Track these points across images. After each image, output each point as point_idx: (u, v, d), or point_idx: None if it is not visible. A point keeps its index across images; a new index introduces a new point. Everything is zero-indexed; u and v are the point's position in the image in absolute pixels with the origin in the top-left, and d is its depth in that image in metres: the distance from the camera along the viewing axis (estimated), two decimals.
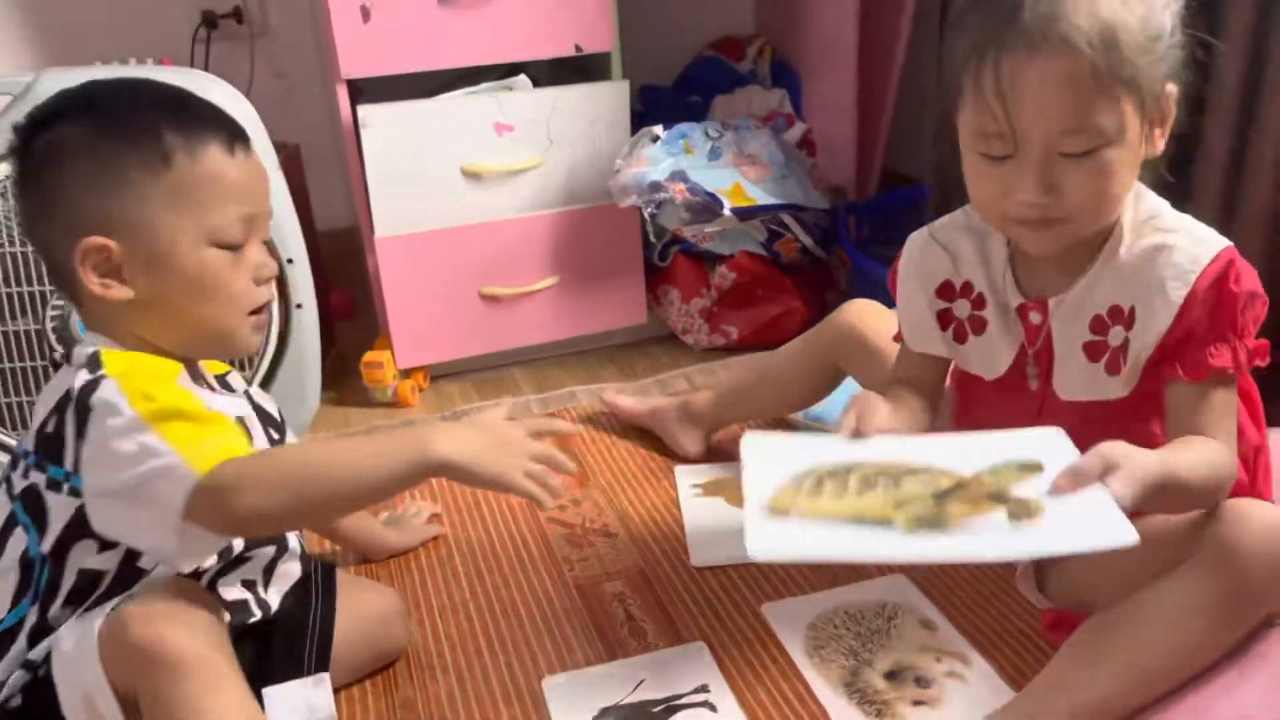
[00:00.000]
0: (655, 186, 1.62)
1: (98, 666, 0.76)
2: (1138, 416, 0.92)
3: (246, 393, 0.97)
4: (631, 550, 1.19)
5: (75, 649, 0.78)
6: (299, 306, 1.48)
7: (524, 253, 1.70)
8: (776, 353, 1.36)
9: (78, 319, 0.95)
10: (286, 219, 1.45)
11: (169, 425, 0.77)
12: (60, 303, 1.31)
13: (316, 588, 0.96)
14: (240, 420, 0.87)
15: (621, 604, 1.09)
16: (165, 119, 0.84)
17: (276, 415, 0.98)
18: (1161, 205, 0.91)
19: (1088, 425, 0.93)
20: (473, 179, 1.65)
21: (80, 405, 0.79)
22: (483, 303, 1.70)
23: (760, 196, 1.66)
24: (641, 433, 1.46)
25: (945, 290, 1.02)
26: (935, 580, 1.10)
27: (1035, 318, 0.96)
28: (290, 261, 1.46)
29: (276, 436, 0.95)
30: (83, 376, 0.80)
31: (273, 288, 0.90)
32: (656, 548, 1.19)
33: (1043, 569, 1.02)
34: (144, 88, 0.90)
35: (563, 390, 1.63)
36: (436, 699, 0.97)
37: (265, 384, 1.50)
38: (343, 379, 1.72)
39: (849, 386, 1.29)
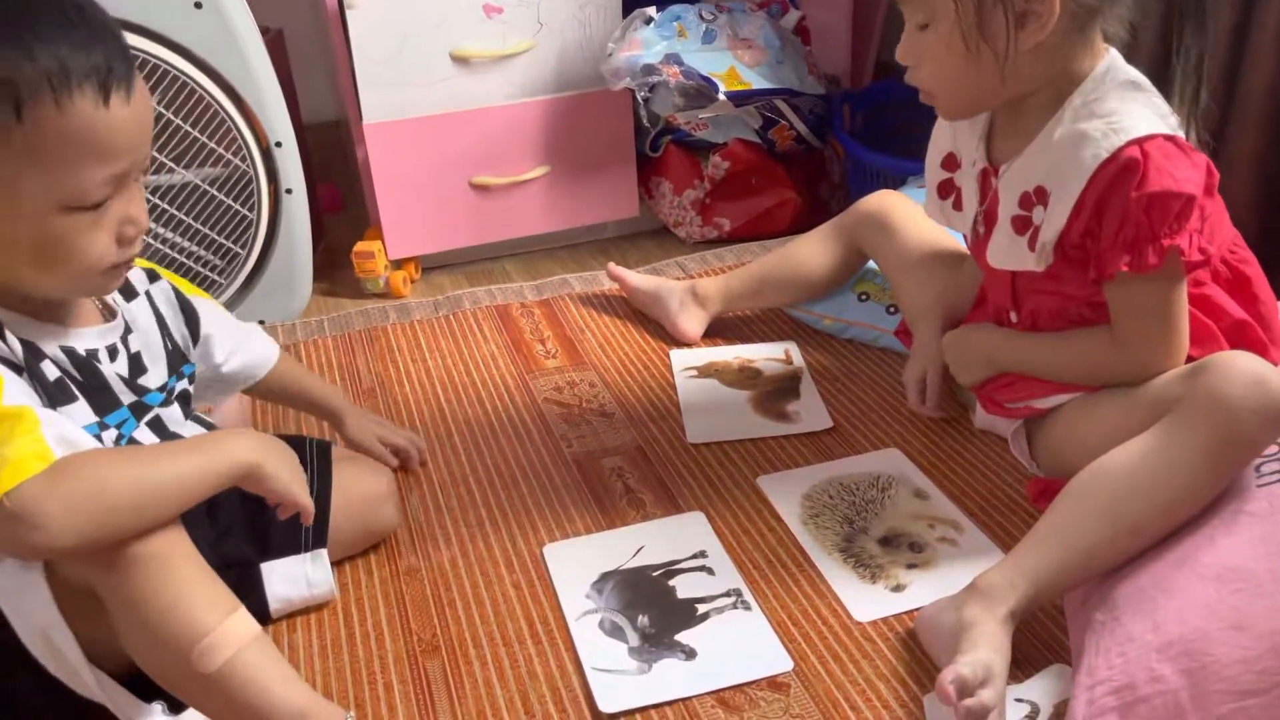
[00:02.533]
0: (648, 69, 1.58)
1: (47, 596, 0.71)
2: (1077, 291, 0.95)
3: (147, 295, 0.88)
4: (628, 428, 1.20)
5: (18, 581, 0.71)
6: (289, 191, 1.46)
7: (514, 141, 1.67)
8: (796, 239, 1.36)
9: None
10: (273, 102, 1.42)
11: None
12: None
13: (312, 465, 0.96)
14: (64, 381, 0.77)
15: (620, 477, 1.11)
16: (23, 53, 0.67)
17: (177, 328, 0.90)
18: (1114, 87, 0.89)
19: (1041, 296, 0.96)
20: (461, 64, 1.61)
21: None
22: (473, 192, 1.68)
23: (756, 81, 1.63)
24: (638, 318, 1.46)
25: (948, 161, 1.04)
26: (927, 452, 1.12)
27: (993, 181, 0.99)
28: (279, 145, 1.43)
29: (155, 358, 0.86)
30: None
31: (139, 244, 0.76)
32: (653, 426, 1.20)
33: (1033, 433, 1.04)
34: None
35: (556, 278, 1.62)
36: (440, 566, 0.99)
37: (255, 272, 1.49)
38: (333, 271, 1.71)
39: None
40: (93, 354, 0.80)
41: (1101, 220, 0.87)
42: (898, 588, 0.93)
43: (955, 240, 1.21)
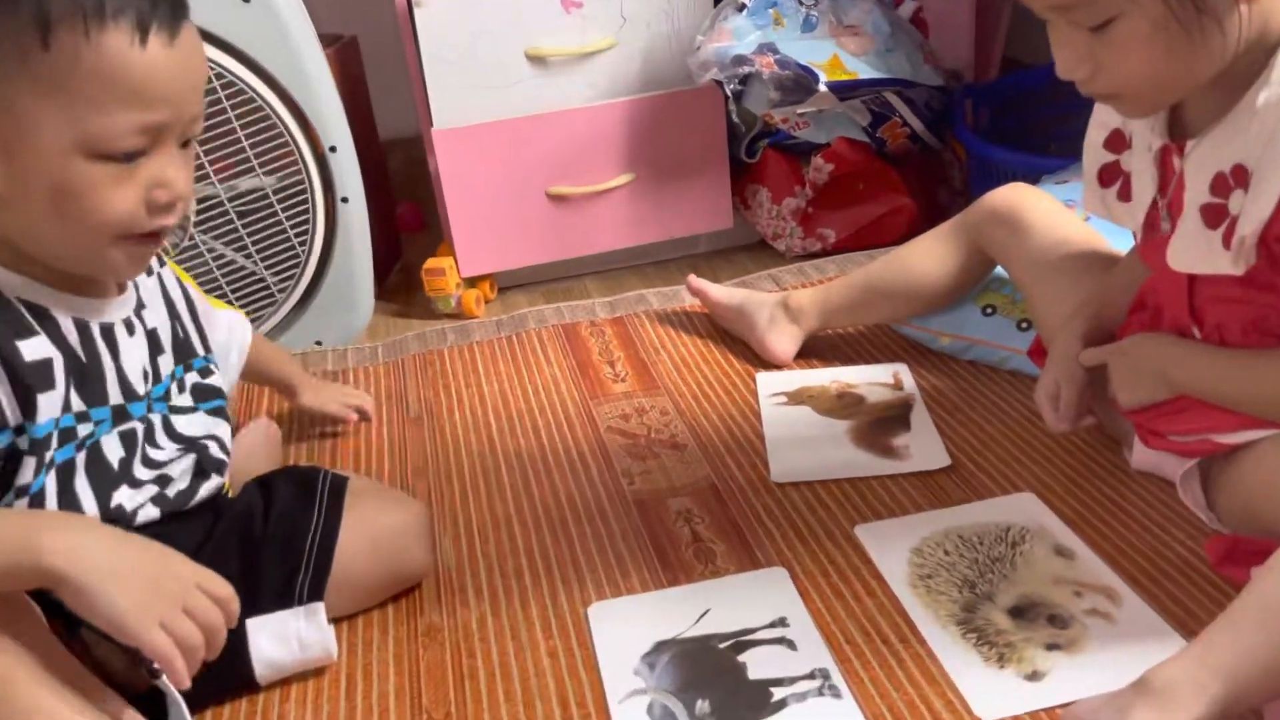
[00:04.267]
0: (740, 60, 1.42)
1: None
2: None
3: (158, 277, 0.82)
4: (702, 463, 1.02)
5: None
6: (345, 200, 1.35)
7: (596, 146, 1.54)
8: (909, 243, 1.17)
9: None
10: (328, 104, 1.31)
11: None
12: None
13: (321, 501, 0.82)
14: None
15: (688, 522, 0.93)
16: None
17: (171, 335, 0.81)
18: None
19: (1230, 306, 0.75)
20: (538, 64, 1.49)
21: None
22: (551, 204, 1.54)
23: (862, 70, 1.45)
24: (722, 337, 1.28)
25: (1114, 140, 0.86)
26: (1071, 497, 0.90)
27: (1176, 163, 0.78)
28: (334, 150, 1.33)
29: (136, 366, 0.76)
30: None
31: (178, 214, 0.69)
32: (731, 461, 1.02)
33: (1212, 475, 0.82)
34: None
35: (632, 293, 1.46)
36: (465, 626, 0.83)
37: (311, 287, 1.38)
38: (408, 293, 1.60)
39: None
40: (108, 329, 0.73)
41: None
42: (1034, 675, 0.72)
43: (1102, 239, 0.99)
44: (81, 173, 0.64)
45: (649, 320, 1.35)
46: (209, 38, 1.23)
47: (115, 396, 0.73)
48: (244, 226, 1.32)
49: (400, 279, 1.67)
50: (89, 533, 0.61)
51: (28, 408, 0.67)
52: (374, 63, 1.75)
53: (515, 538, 0.94)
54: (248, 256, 1.34)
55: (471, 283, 1.56)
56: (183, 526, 0.76)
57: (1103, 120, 0.87)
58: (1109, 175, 0.87)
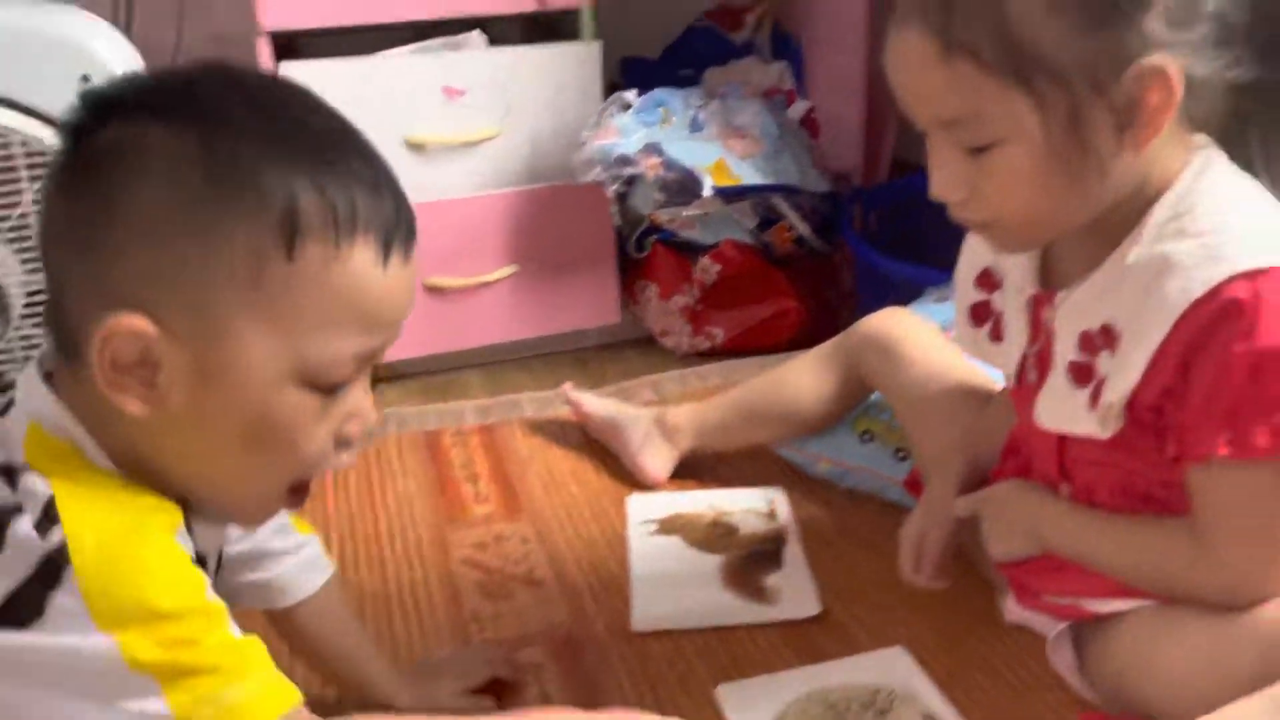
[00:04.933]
0: (624, 160, 1.38)
1: None
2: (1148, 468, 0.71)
3: None
4: (560, 603, 0.94)
5: None
6: None
7: (477, 238, 1.47)
8: (787, 363, 1.13)
9: (44, 364, 0.58)
10: None
11: (175, 682, 0.51)
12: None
13: None
14: None
15: (536, 680, 0.85)
16: (311, 181, 0.53)
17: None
18: (1215, 193, 0.65)
19: (1099, 468, 0.72)
20: (417, 151, 1.43)
21: (27, 592, 0.51)
22: (429, 296, 1.47)
23: (749, 175, 1.42)
24: (595, 450, 1.21)
25: (985, 279, 0.82)
26: (943, 653, 0.85)
27: (1046, 313, 0.75)
28: None
29: None
30: (23, 530, 0.51)
31: (354, 454, 0.60)
32: (593, 601, 0.95)
33: (1084, 641, 0.78)
34: (294, 101, 0.57)
35: (504, 398, 1.39)
36: None
37: None
38: None
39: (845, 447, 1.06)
40: (202, 558, 0.59)
41: (1189, 380, 0.63)
42: None
43: (979, 372, 0.96)
44: (289, 402, 0.55)
45: (520, 429, 1.28)
46: (49, 120, 1.13)
47: None
48: None
49: None
50: None
51: None
52: None
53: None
54: None
55: None
56: None
57: (972, 259, 0.85)
58: (980, 314, 0.85)
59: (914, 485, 0.99)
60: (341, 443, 0.58)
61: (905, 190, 1.69)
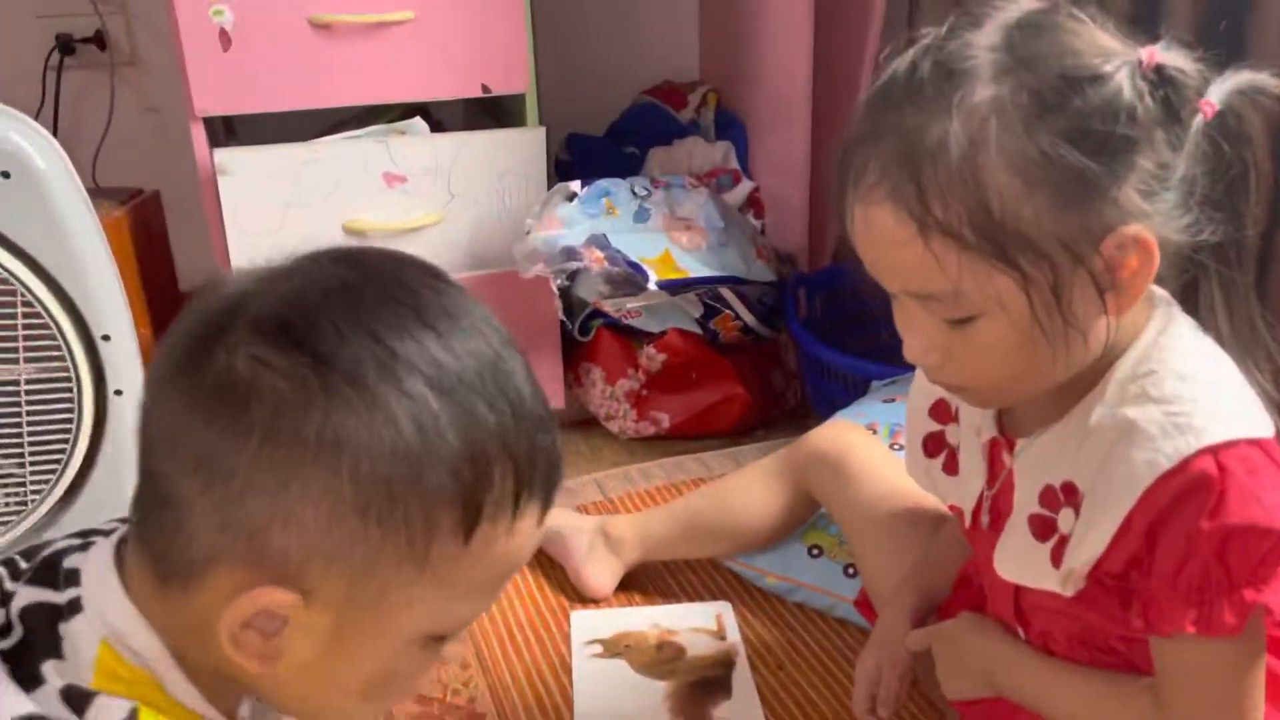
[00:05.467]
0: (569, 253, 1.36)
1: None
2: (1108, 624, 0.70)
3: None
4: None
5: None
6: (118, 393, 1.20)
7: None
8: (733, 475, 1.12)
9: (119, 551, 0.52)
10: (103, 287, 1.17)
11: None
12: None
13: None
14: None
15: None
16: (499, 444, 0.47)
17: None
18: (1176, 355, 0.65)
19: (1058, 617, 0.71)
20: (358, 238, 1.40)
21: None
22: None
23: (693, 267, 1.41)
24: (540, 559, 1.18)
25: (939, 409, 0.81)
26: None
27: (1005, 459, 0.74)
28: (106, 339, 1.18)
29: None
30: None
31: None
32: None
33: None
34: (465, 320, 0.49)
35: None
36: None
37: (75, 485, 1.21)
38: None
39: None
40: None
41: (1155, 552, 0.62)
42: None
43: (929, 494, 0.95)
44: (414, 657, 0.51)
45: None
46: None
47: None
48: None
49: None
50: None
51: None
52: (179, 213, 1.61)
53: None
54: (1, 452, 1.16)
55: None
56: None
57: (926, 386, 0.83)
58: (933, 445, 0.83)
59: (864, 605, 0.98)
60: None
61: (850, 275, 1.70)
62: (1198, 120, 0.61)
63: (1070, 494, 0.66)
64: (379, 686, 0.51)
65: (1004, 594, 0.76)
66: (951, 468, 0.81)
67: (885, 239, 0.62)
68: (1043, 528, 0.68)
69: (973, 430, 0.77)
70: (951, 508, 0.82)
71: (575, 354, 1.57)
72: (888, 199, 0.60)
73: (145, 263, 1.44)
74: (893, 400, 1.22)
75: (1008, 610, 0.76)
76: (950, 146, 0.59)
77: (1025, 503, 0.70)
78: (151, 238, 1.50)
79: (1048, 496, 0.68)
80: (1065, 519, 0.67)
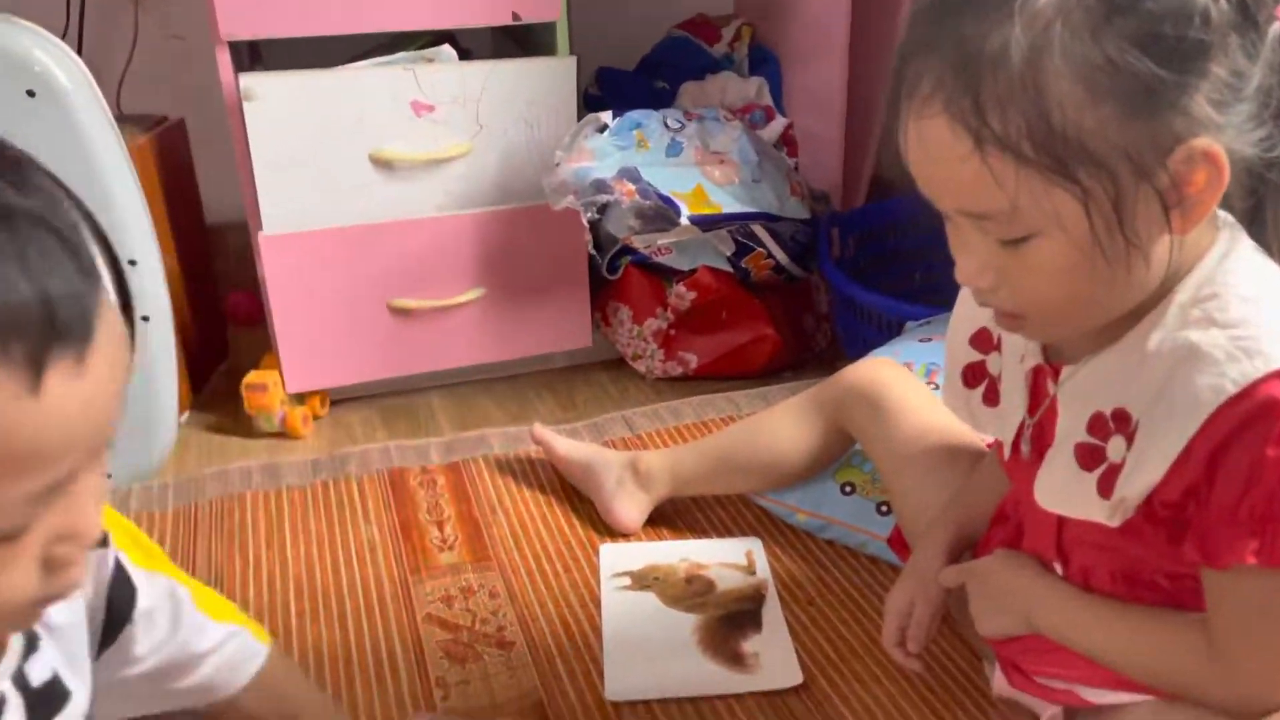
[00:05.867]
0: (599, 186, 1.33)
1: None
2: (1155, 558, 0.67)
3: None
4: (529, 670, 0.90)
5: None
6: (145, 319, 1.19)
7: (444, 259, 1.42)
8: (766, 411, 1.09)
9: None
10: (130, 211, 1.16)
11: None
12: None
13: None
14: None
15: None
16: None
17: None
18: (1242, 279, 0.62)
19: (1101, 552, 0.69)
20: (384, 168, 1.37)
21: None
22: (393, 317, 1.42)
23: (727, 203, 1.38)
24: (566, 492, 1.17)
25: (981, 338, 0.78)
26: None
27: (1050, 386, 0.71)
28: (133, 264, 1.17)
29: None
30: None
31: (81, 567, 0.48)
32: (564, 668, 0.91)
33: None
34: None
35: (473, 433, 1.34)
36: None
37: None
38: (230, 400, 1.43)
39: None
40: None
41: (1216, 481, 0.59)
42: None
43: (967, 429, 0.93)
44: None
45: (489, 469, 1.23)
46: None
47: None
48: None
49: (223, 383, 1.51)
50: None
51: None
52: (203, 141, 1.59)
53: None
54: None
55: (300, 399, 1.41)
56: None
57: (968, 314, 0.81)
58: (974, 375, 0.81)
59: (897, 542, 0.96)
60: (55, 567, 0.47)
61: (882, 214, 1.66)
62: (1275, 27, 0.57)
63: (1122, 421, 0.64)
64: None
65: (1045, 528, 0.74)
66: (991, 399, 0.79)
67: (940, 154, 0.59)
68: (1090, 456, 0.66)
69: (1015, 357, 0.74)
70: (992, 444, 0.79)
71: (603, 292, 1.55)
72: (943, 112, 0.58)
73: (170, 191, 1.42)
74: (929, 340, 1.19)
75: (1048, 545, 0.74)
76: (1011, 54, 0.56)
77: (1070, 431, 0.68)
78: (176, 166, 1.49)
79: (1097, 424, 0.66)
80: (1115, 447, 0.64)
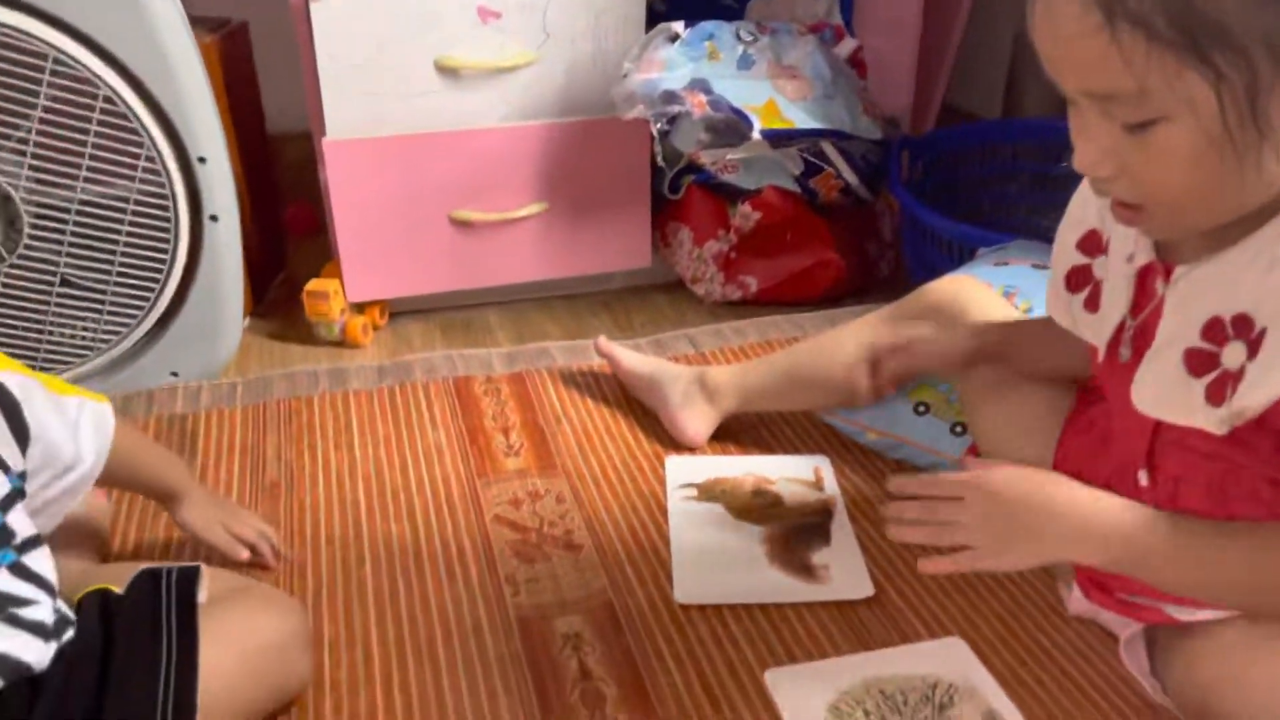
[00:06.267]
0: (669, 97, 1.30)
1: None
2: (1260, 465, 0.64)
3: None
4: (598, 572, 0.90)
5: None
6: (213, 218, 1.19)
7: (507, 171, 1.40)
8: (838, 327, 1.07)
9: None
10: (198, 107, 1.15)
11: None
12: None
13: (169, 629, 0.68)
14: None
15: (576, 651, 0.81)
16: None
17: None
18: None
19: (1199, 459, 0.66)
20: (449, 76, 1.35)
21: None
22: (454, 229, 1.41)
23: (799, 118, 1.34)
24: (630, 405, 1.16)
25: (1089, 241, 0.76)
26: (1002, 645, 0.81)
27: (1159, 286, 0.68)
28: (203, 161, 1.16)
29: None
30: None
31: None
32: (632, 571, 0.91)
33: (1162, 645, 0.74)
34: None
35: (534, 346, 1.33)
36: None
37: (170, 312, 1.21)
38: (290, 308, 1.44)
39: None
40: None
41: None
42: None
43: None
44: None
45: (552, 381, 1.23)
46: (56, 22, 1.05)
47: None
48: (92, 240, 1.14)
49: (282, 292, 1.51)
50: None
51: None
52: (266, 48, 1.57)
53: (372, 660, 0.80)
54: (96, 274, 1.16)
55: (359, 309, 1.41)
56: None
57: (1079, 217, 0.78)
58: (1078, 280, 0.77)
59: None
60: None
61: (952, 140, 1.62)
62: None
63: (1243, 327, 0.61)
64: None
65: (1136, 435, 0.71)
66: (1094, 305, 0.76)
67: (1068, 29, 0.56)
68: (1201, 362, 0.63)
69: (1123, 256, 0.71)
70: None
71: (663, 213, 1.53)
72: None
73: (234, 95, 1.41)
74: (1005, 264, 1.16)
75: (1137, 453, 0.72)
76: None
77: (1179, 334, 0.65)
78: (240, 70, 1.47)
79: (1213, 329, 0.63)
80: (1232, 354, 0.62)
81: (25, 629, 0.61)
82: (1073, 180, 1.52)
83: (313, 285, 1.37)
